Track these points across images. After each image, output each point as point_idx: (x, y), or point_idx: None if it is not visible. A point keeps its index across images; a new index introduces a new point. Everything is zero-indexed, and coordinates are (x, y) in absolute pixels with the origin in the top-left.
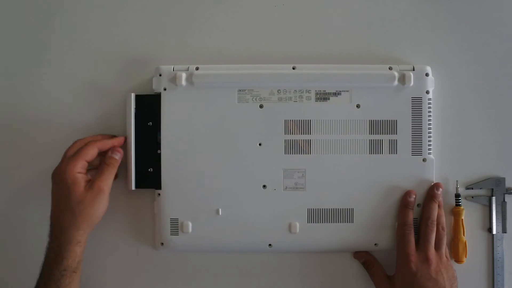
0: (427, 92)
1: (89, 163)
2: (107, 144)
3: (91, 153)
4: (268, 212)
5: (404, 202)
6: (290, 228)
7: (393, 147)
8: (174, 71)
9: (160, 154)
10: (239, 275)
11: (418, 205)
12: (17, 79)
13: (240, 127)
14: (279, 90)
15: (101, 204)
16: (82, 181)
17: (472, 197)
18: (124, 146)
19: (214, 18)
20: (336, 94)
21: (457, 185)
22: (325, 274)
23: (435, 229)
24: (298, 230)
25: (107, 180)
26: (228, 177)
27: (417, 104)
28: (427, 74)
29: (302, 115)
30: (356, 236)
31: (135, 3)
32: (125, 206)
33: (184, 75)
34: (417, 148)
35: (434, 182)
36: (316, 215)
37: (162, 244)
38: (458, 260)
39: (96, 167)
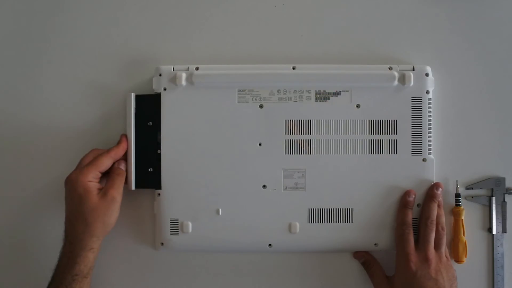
0: (427, 92)
1: (102, 173)
2: (120, 153)
3: (106, 164)
4: (268, 212)
5: (403, 202)
6: (290, 228)
7: (393, 147)
8: (174, 71)
9: (160, 154)
10: (239, 275)
11: (418, 205)
12: (17, 79)
13: (240, 127)
14: (279, 90)
15: (114, 212)
16: (94, 189)
17: (472, 197)
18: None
19: (214, 18)
20: (336, 94)
21: (457, 185)
22: (325, 274)
23: (434, 228)
24: (298, 230)
25: (119, 189)
26: (228, 177)
27: (417, 104)
28: (427, 74)
29: (302, 115)
30: (356, 236)
31: (135, 3)
32: (125, 206)
33: (184, 75)
34: (417, 148)
35: (434, 182)
36: (316, 215)
37: (162, 244)
38: (458, 260)
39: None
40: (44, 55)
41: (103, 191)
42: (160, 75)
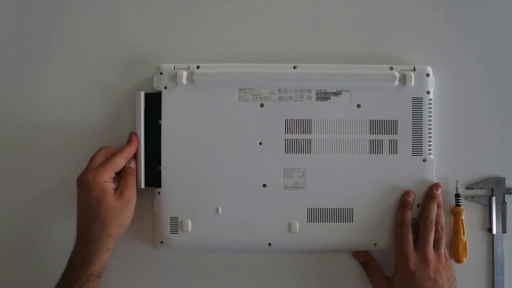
0: (428, 92)
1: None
2: (131, 151)
3: (121, 164)
4: (268, 211)
5: (402, 202)
6: (289, 227)
7: (393, 147)
8: (175, 69)
9: None
10: (238, 274)
11: (418, 205)
12: (17, 79)
13: (241, 126)
14: (280, 89)
15: (130, 212)
16: (110, 190)
17: (472, 197)
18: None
19: (215, 17)
20: (337, 93)
21: (457, 185)
22: (324, 274)
23: (434, 229)
24: (297, 230)
25: (134, 189)
26: (228, 176)
27: (417, 104)
28: (428, 75)
29: (303, 114)
30: (355, 236)
31: (136, 1)
32: None
33: (185, 73)
34: (417, 148)
35: (434, 182)
36: (315, 215)
37: (162, 242)
38: (458, 260)
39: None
40: (45, 54)
41: (119, 192)
42: (161, 73)
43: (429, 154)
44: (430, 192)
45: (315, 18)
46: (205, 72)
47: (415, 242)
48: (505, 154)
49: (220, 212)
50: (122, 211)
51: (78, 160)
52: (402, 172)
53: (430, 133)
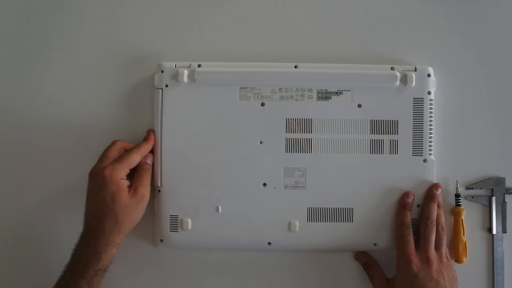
0: (429, 92)
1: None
2: (147, 149)
3: (136, 161)
4: (267, 210)
5: (402, 203)
6: (289, 226)
7: (394, 147)
8: (176, 67)
9: None
10: (238, 273)
11: (418, 205)
12: (17, 79)
13: (241, 124)
14: (281, 88)
15: (143, 209)
16: (125, 187)
17: (472, 197)
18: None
19: (216, 16)
20: (338, 93)
21: (457, 185)
22: (324, 273)
23: (435, 229)
24: (297, 229)
25: (148, 186)
26: (229, 174)
27: (418, 104)
28: (429, 75)
29: (304, 113)
30: (355, 235)
31: (137, 0)
32: None
33: (186, 72)
34: (417, 148)
35: (434, 182)
36: (316, 214)
37: (162, 240)
38: (458, 260)
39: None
40: (45, 54)
41: (133, 189)
42: (162, 71)
43: (430, 154)
44: (430, 193)
45: (315, 18)
46: (206, 71)
47: (416, 242)
48: (505, 154)
49: (220, 211)
50: (135, 209)
51: (77, 159)
52: (402, 172)
53: (430, 133)
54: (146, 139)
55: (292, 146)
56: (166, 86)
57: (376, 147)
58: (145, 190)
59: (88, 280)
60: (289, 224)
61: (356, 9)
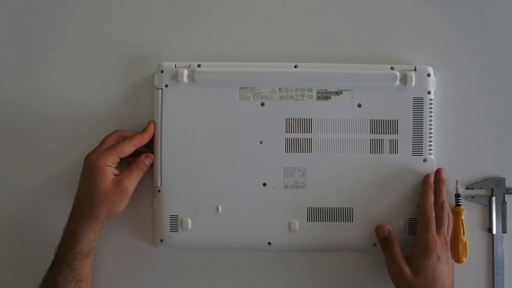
0: (429, 92)
1: (121, 159)
2: (143, 141)
3: (127, 151)
4: (267, 210)
5: (427, 184)
6: (289, 226)
7: (393, 147)
8: (176, 67)
9: None
10: (238, 272)
11: (418, 205)
12: (18, 79)
13: (241, 124)
14: (281, 88)
15: (123, 202)
16: (109, 174)
17: (472, 197)
18: (151, 142)
19: (216, 16)
20: (338, 93)
21: (457, 185)
22: (324, 273)
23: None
24: (297, 229)
25: (134, 181)
26: (229, 174)
27: (418, 104)
28: (428, 75)
29: (303, 113)
30: (355, 235)
31: (137, 0)
32: None
33: (185, 71)
34: (417, 148)
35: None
36: (315, 214)
37: (162, 240)
38: (458, 260)
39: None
40: (45, 54)
41: (118, 179)
42: (162, 71)
43: (430, 154)
44: (440, 176)
45: (315, 18)
46: (206, 71)
47: None
48: (505, 154)
49: (220, 211)
50: (114, 199)
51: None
52: (402, 172)
53: (430, 133)
54: (144, 130)
55: (292, 146)
56: (166, 86)
57: (376, 147)
58: (129, 184)
59: (68, 263)
60: (289, 224)
61: (356, 9)
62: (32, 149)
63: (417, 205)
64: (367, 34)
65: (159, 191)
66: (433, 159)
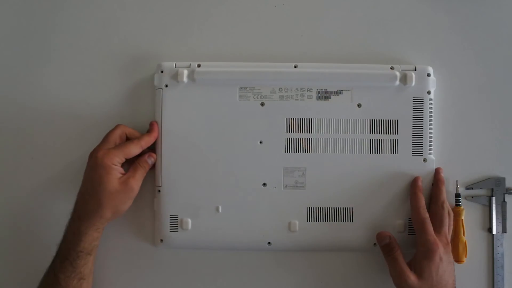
0: (429, 92)
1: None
2: (149, 142)
3: (134, 152)
4: (267, 210)
5: (415, 187)
6: (289, 226)
7: (393, 147)
8: (176, 67)
9: None
10: (238, 273)
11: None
12: (18, 79)
13: (241, 124)
14: (281, 88)
15: (128, 201)
16: (116, 173)
17: (472, 197)
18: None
19: (216, 16)
20: (338, 93)
21: (457, 185)
22: (324, 273)
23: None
24: (297, 229)
25: (139, 181)
26: (229, 174)
27: (418, 104)
28: (428, 75)
29: (303, 113)
30: (355, 235)
31: (138, 0)
32: None
33: (185, 72)
34: (417, 148)
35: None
36: (315, 214)
37: (162, 240)
38: (458, 260)
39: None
40: (45, 54)
41: (124, 179)
42: (162, 71)
43: (430, 154)
44: (439, 176)
45: (315, 18)
46: (206, 71)
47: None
48: (505, 154)
49: (220, 211)
50: (120, 198)
51: (77, 159)
52: (402, 172)
53: (430, 133)
54: (149, 131)
55: (292, 146)
56: (166, 86)
57: (376, 147)
58: (135, 183)
59: (71, 261)
60: (289, 224)
61: (356, 9)
62: (32, 149)
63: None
64: (367, 34)
65: (159, 191)
66: (433, 159)
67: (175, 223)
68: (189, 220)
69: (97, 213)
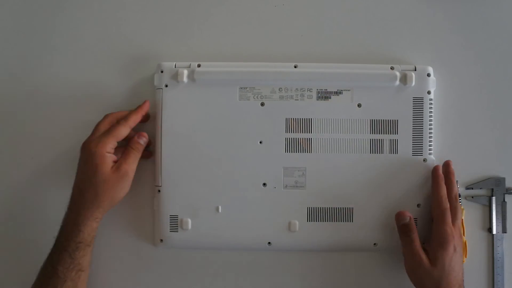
0: (429, 92)
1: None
2: (136, 119)
3: (123, 133)
4: (267, 210)
5: (438, 176)
6: (289, 226)
7: (393, 147)
8: (176, 67)
9: None
10: (238, 273)
11: (418, 205)
12: (18, 79)
13: (241, 124)
14: (281, 88)
15: (124, 187)
16: (109, 161)
17: (472, 197)
18: (153, 142)
19: (216, 16)
20: (338, 93)
21: (457, 185)
22: (324, 273)
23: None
24: (297, 229)
25: (133, 164)
26: (228, 174)
27: (418, 104)
28: (428, 75)
29: (303, 113)
30: (355, 235)
31: (138, 0)
32: (125, 202)
33: (185, 71)
34: (417, 148)
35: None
36: (315, 214)
37: (162, 240)
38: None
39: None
40: (45, 54)
41: (117, 165)
42: (162, 71)
43: (430, 154)
44: (449, 169)
45: (315, 18)
46: (206, 71)
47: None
48: (505, 154)
49: (220, 211)
50: (116, 185)
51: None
52: (402, 172)
53: (430, 133)
54: (137, 107)
55: (292, 146)
56: (166, 86)
57: (376, 147)
58: (129, 167)
59: (70, 253)
60: (289, 224)
61: (356, 9)
62: (32, 148)
63: (432, 197)
64: (367, 34)
65: (159, 191)
66: (433, 159)
67: (175, 223)
68: (189, 220)
69: (94, 203)
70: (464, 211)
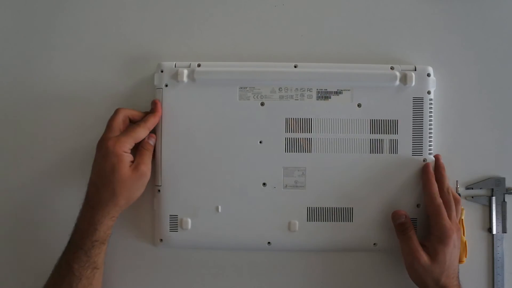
0: (429, 92)
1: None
2: (154, 122)
3: (142, 135)
4: (267, 210)
5: (428, 174)
6: (289, 226)
7: (393, 147)
8: (176, 67)
9: None
10: (237, 272)
11: (418, 205)
12: (17, 78)
13: (241, 124)
14: (281, 88)
15: (141, 187)
16: (127, 161)
17: (472, 197)
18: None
19: (216, 16)
20: (338, 93)
21: (457, 185)
22: (324, 273)
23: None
24: (297, 229)
25: (149, 165)
26: (228, 174)
27: (418, 104)
28: (428, 75)
29: (303, 113)
30: (355, 235)
31: (138, 0)
32: None
33: (185, 71)
34: (417, 148)
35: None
36: (315, 214)
37: (161, 240)
38: (458, 260)
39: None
40: (45, 54)
41: (135, 165)
42: (162, 71)
43: (430, 154)
44: (439, 163)
45: (315, 18)
46: (206, 71)
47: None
48: (505, 154)
49: (220, 211)
50: (133, 184)
51: (78, 158)
52: (402, 172)
53: (430, 133)
54: (152, 111)
55: (292, 145)
56: (166, 86)
57: (375, 147)
58: (146, 167)
59: (85, 251)
60: (289, 224)
61: (356, 9)
62: (32, 149)
63: (424, 195)
64: (367, 34)
65: (159, 191)
66: (433, 159)
67: (175, 223)
68: (189, 220)
69: (111, 202)
70: (464, 211)
